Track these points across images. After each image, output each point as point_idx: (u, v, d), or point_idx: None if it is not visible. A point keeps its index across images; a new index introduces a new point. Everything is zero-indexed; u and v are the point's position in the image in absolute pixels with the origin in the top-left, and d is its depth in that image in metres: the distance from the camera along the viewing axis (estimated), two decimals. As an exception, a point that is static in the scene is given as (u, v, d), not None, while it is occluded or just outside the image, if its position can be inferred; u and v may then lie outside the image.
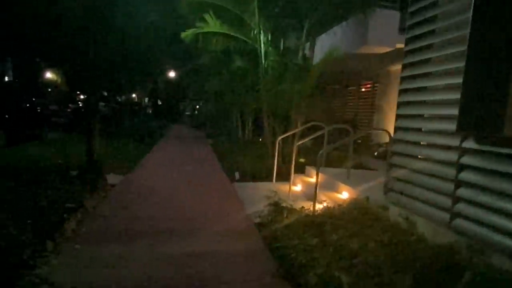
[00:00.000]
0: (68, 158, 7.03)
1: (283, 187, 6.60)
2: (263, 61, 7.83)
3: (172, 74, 25.16)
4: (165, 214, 4.61)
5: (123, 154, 8.91)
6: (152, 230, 3.97)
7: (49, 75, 25.62)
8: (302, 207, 4.33)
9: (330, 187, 5.70)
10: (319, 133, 6.32)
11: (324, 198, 5.16)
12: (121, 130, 14.09)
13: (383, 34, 8.17)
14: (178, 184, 6.46)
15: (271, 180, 6.96)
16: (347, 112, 14.76)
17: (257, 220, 4.32)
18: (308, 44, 8.18)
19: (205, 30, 8.02)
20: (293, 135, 7.53)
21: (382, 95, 11.99)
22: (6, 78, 23.15)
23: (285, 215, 4.18)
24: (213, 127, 19.11)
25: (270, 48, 7.88)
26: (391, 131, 11.17)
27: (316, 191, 4.64)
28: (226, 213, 4.76)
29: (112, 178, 6.30)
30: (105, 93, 19.68)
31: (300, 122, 7.76)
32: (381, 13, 8.13)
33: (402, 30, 8.28)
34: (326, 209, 4.38)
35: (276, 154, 6.88)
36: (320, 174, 6.56)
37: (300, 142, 5.90)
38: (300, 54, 7.51)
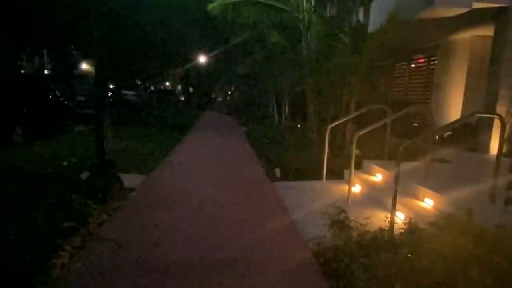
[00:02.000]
0: (84, 156, 6.15)
1: (337, 187, 5.32)
2: (306, 33, 6.43)
3: (203, 59, 24.15)
4: (191, 235, 3.49)
5: (148, 148, 7.96)
6: (172, 264, 2.87)
7: (85, 66, 25.57)
8: (380, 228, 3.03)
9: (405, 190, 4.29)
10: (384, 120, 4.92)
11: (399, 207, 3.83)
12: (150, 120, 13.28)
13: (457, -10, 6.47)
14: (208, 186, 5.35)
15: (321, 178, 5.69)
16: (396, 92, 12.97)
17: (315, 247, 3.07)
18: (361, 9, 6.65)
19: (235, -1, 6.74)
20: (345, 121, 6.17)
21: (442, 71, 10.15)
22: (46, 71, 23.32)
23: (355, 239, 2.92)
24: (247, 113, 17.94)
25: (314, 17, 6.46)
26: (458, 111, 9.42)
27: (396, 203, 3.32)
28: (270, 234, 3.55)
29: (131, 180, 5.30)
30: (139, 82, 19.08)
31: (353, 105, 6.35)
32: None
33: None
34: (413, 228, 3.04)
35: (326, 145, 5.58)
36: (385, 172, 5.22)
37: (362, 132, 4.53)
38: (354, 20, 6.03)
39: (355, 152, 4.70)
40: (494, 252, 2.38)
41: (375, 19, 6.03)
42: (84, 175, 4.80)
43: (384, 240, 2.87)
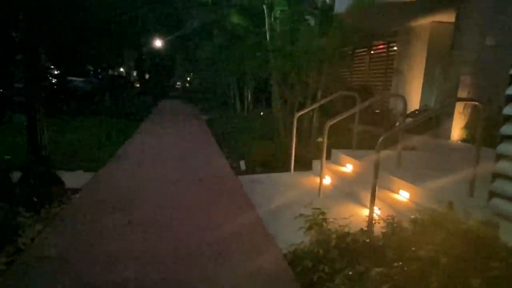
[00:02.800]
0: (21, 151, 5.33)
1: (307, 179, 5.02)
2: (270, 14, 5.98)
3: (159, 43, 22.86)
4: (144, 246, 2.99)
5: (98, 141, 7.19)
6: (122, 284, 2.37)
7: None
8: (361, 229, 2.73)
9: (378, 182, 4.05)
10: (355, 109, 4.65)
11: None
12: (101, 109, 12.25)
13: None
14: (167, 184, 4.81)
15: (288, 170, 5.36)
16: (357, 78, 12.95)
17: (291, 255, 2.71)
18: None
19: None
20: (313, 109, 5.86)
21: (402, 57, 10.18)
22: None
23: (334, 244, 2.59)
24: (207, 101, 17.25)
25: (277, -4, 6.02)
26: (418, 96, 9.48)
27: (374, 200, 3.05)
28: (239, 240, 3.14)
29: (76, 178, 4.64)
30: (90, 68, 17.57)
31: (320, 92, 6.05)
32: None
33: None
34: (395, 227, 2.77)
35: (294, 135, 5.24)
36: (355, 162, 4.98)
37: (334, 121, 4.21)
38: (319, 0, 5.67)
39: (324, 141, 4.38)
40: (490, 255, 2.15)
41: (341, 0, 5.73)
42: (16, 176, 4.07)
43: (367, 243, 2.57)
